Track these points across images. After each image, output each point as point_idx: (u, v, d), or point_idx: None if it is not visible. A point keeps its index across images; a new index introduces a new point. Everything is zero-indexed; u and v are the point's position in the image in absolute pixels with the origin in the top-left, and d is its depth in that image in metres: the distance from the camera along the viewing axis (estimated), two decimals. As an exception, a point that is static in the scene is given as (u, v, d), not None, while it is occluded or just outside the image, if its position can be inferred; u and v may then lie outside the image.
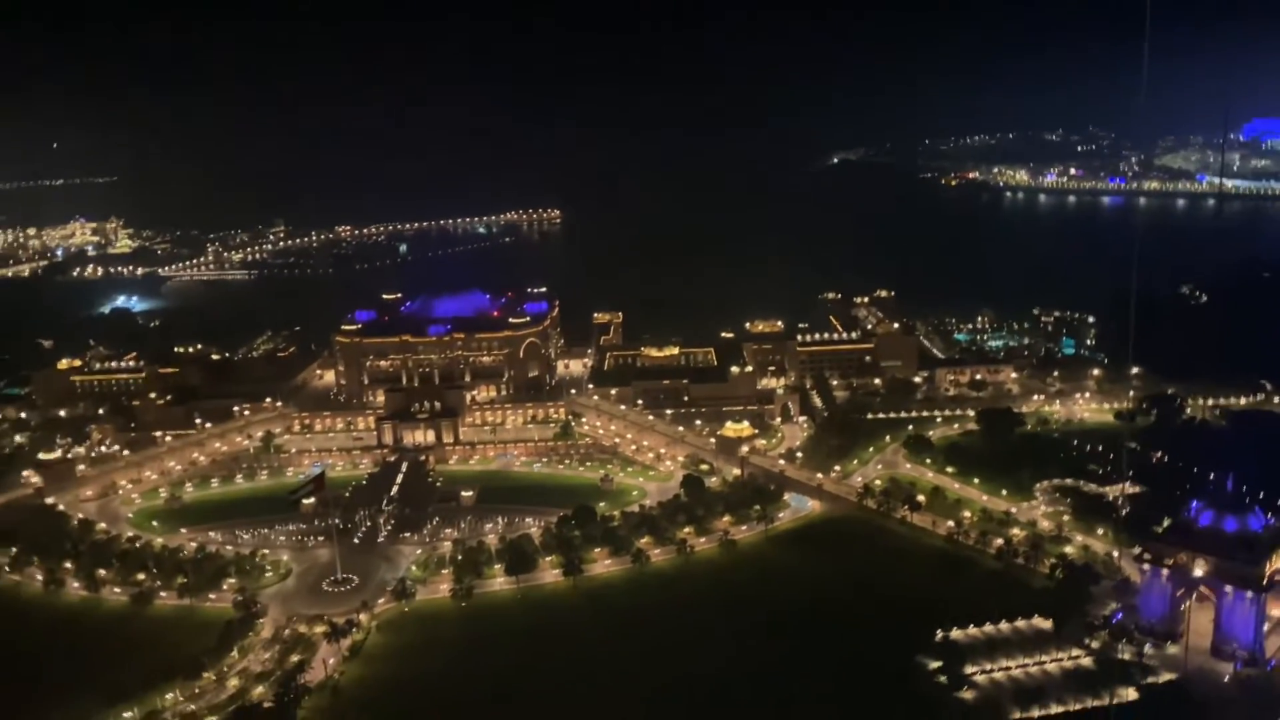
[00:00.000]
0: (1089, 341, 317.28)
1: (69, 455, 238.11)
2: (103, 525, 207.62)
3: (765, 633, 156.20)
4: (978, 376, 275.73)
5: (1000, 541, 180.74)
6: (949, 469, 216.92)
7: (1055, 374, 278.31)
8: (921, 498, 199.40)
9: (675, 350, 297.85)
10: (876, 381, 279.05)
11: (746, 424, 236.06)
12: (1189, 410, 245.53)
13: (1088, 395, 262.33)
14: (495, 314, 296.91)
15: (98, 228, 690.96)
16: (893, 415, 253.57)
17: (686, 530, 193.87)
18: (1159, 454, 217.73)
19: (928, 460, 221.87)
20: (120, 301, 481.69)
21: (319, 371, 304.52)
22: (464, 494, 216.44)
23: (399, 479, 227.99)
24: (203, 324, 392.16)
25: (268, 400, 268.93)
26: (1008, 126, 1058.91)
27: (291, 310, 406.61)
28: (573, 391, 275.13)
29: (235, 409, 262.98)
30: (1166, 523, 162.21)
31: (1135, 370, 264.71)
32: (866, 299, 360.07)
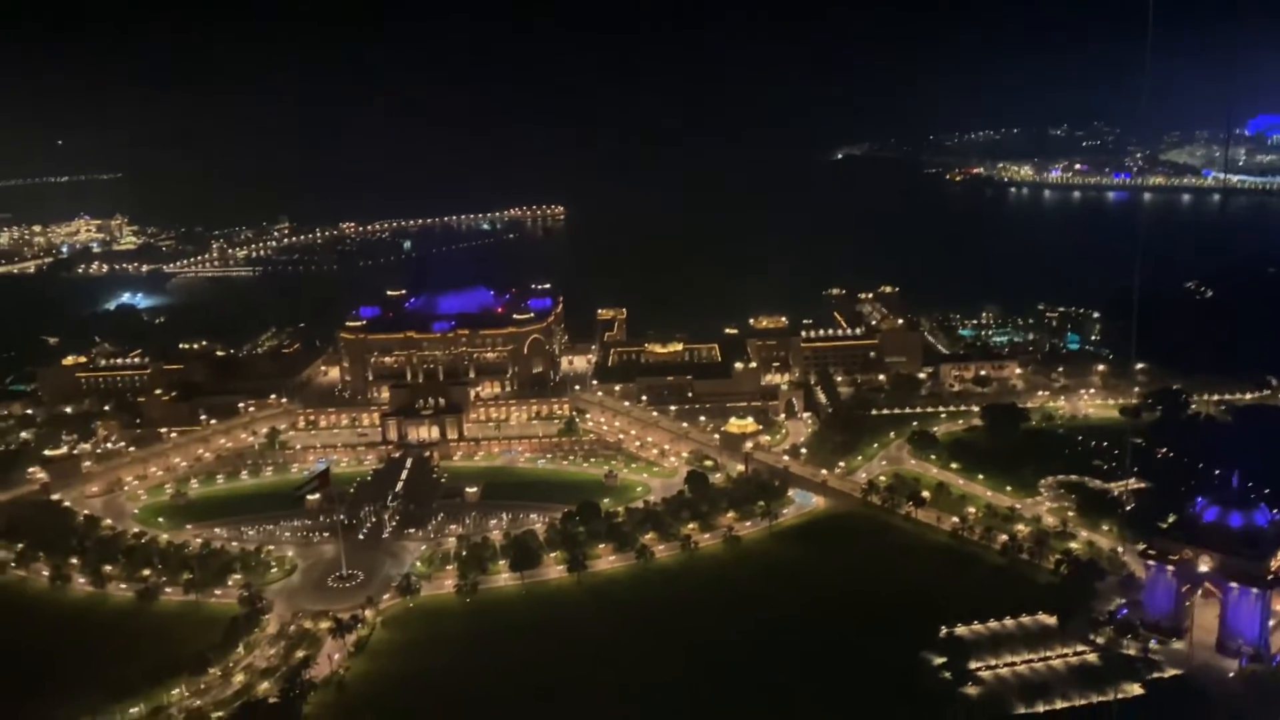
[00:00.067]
0: (1094, 337, 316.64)
1: (74, 451, 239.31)
2: (108, 521, 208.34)
3: (769, 629, 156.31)
4: (982, 372, 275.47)
5: (1005, 537, 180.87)
6: (953, 465, 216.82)
7: (1060, 370, 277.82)
8: (926, 494, 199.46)
9: (679, 346, 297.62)
10: (881, 377, 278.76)
11: (751, 420, 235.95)
12: (1194, 406, 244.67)
13: (1092, 391, 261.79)
14: (499, 310, 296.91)
15: (102, 224, 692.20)
16: (897, 411, 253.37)
17: (691, 526, 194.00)
18: (1164, 450, 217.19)
19: (932, 456, 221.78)
20: (125, 298, 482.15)
21: (324, 368, 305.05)
22: (468, 490, 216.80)
23: (404, 475, 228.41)
24: (207, 320, 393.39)
25: (273, 397, 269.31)
26: (1012, 122, 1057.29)
27: (296, 307, 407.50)
28: (577, 388, 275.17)
29: (240, 405, 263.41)
30: (1171, 519, 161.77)
31: (1140, 366, 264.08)
32: (871, 295, 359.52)
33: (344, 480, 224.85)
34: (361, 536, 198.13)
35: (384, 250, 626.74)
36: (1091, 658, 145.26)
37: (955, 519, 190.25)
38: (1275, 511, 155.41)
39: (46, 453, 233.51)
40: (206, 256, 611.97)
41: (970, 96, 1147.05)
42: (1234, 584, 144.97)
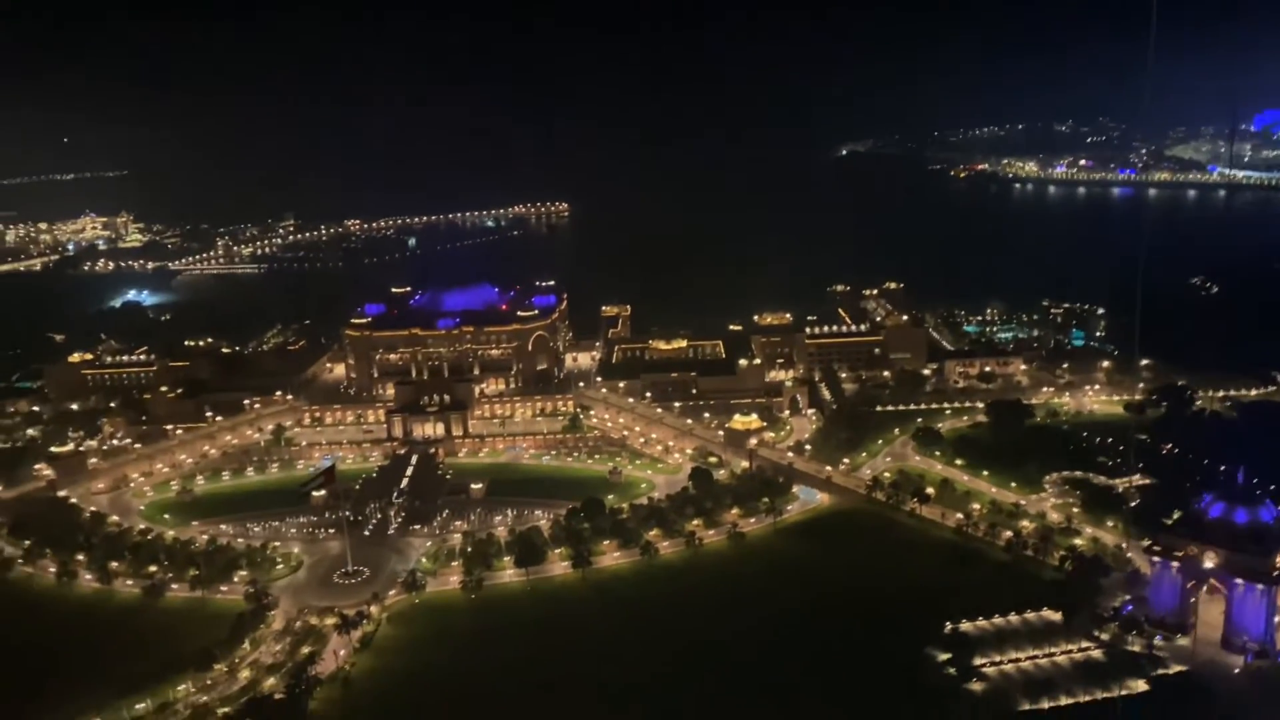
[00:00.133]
0: (1098, 333, 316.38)
1: (81, 448, 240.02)
2: (115, 518, 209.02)
3: (774, 625, 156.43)
4: (987, 369, 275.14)
5: (1009, 534, 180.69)
6: (958, 461, 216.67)
7: (1064, 366, 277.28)
8: (930, 490, 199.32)
9: (683, 343, 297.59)
10: (885, 374, 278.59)
11: (755, 417, 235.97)
12: (1199, 402, 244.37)
13: (1097, 387, 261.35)
14: (504, 307, 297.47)
15: (108, 222, 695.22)
16: (901, 407, 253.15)
17: (695, 523, 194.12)
18: (1169, 446, 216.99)
19: (937, 452, 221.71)
20: (131, 295, 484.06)
21: (329, 365, 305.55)
22: (473, 486, 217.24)
23: (409, 472, 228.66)
24: (213, 318, 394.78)
25: (278, 393, 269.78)
26: (1016, 118, 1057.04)
27: (301, 304, 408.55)
28: (581, 384, 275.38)
29: (246, 402, 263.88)
30: (1176, 515, 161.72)
31: (1145, 362, 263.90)
32: (875, 291, 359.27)
33: (349, 477, 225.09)
34: (367, 533, 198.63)
35: (389, 247, 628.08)
36: (1096, 654, 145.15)
37: (960, 515, 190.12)
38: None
39: (53, 450, 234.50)
40: (212, 254, 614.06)
41: (974, 93, 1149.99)
42: (1239, 580, 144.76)
